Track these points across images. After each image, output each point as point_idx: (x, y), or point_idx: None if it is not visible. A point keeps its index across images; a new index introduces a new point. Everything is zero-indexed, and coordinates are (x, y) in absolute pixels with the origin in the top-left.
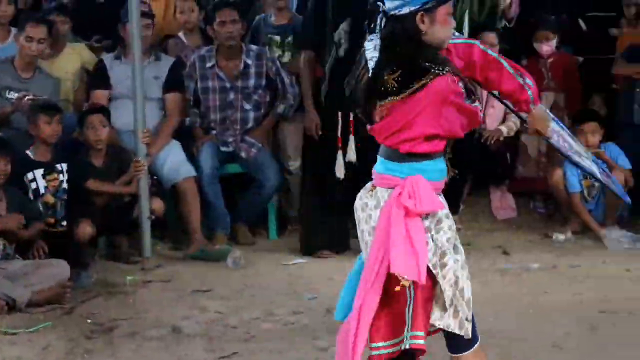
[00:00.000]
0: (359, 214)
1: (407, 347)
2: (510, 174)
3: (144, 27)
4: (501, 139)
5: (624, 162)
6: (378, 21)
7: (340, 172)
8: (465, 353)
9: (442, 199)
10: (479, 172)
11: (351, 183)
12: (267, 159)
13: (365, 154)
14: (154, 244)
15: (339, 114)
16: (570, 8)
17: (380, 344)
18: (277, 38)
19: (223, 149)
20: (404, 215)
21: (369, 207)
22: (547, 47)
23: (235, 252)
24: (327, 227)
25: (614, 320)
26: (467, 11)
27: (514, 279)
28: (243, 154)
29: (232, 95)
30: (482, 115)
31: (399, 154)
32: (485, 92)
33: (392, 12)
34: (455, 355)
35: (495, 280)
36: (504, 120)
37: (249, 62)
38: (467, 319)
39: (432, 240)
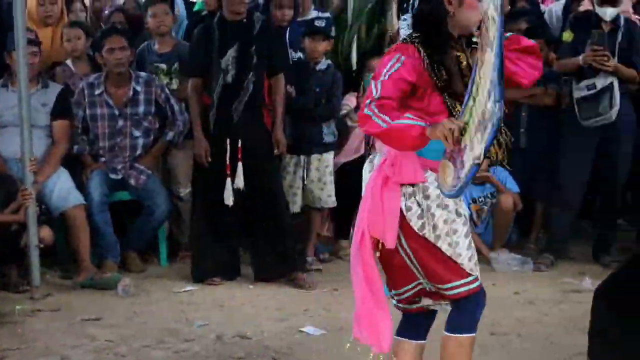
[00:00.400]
0: (365, 175)
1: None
2: None
3: (31, 55)
4: None
5: (512, 185)
6: (412, 1)
7: (229, 199)
8: (461, 335)
9: (433, 177)
10: None
11: (240, 210)
12: (157, 185)
13: (253, 180)
14: (43, 273)
15: (227, 140)
16: None
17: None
18: (163, 66)
19: (112, 176)
20: (382, 182)
21: (366, 171)
22: None
23: (124, 279)
24: (217, 253)
25: (504, 342)
26: (355, 37)
27: None
28: (132, 181)
29: (121, 122)
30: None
31: None
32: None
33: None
34: (449, 334)
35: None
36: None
37: (138, 88)
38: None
39: (418, 205)
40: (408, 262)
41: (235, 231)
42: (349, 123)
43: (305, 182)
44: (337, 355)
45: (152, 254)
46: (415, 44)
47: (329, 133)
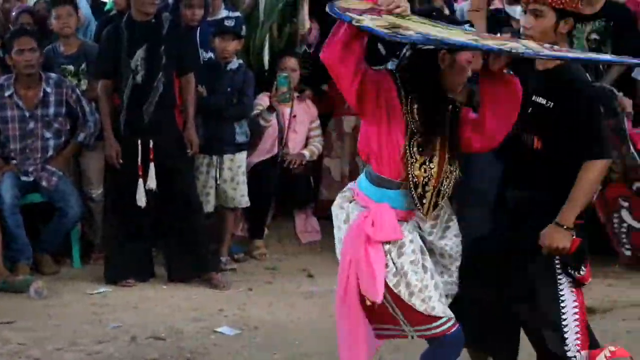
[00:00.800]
0: (336, 210)
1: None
2: (314, 197)
3: None
4: (304, 162)
5: None
6: (404, 50)
7: (141, 200)
8: None
9: (406, 226)
10: (282, 196)
11: (153, 210)
12: (69, 187)
13: (165, 181)
14: None
15: (139, 141)
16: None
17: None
18: (71, 67)
19: (24, 178)
20: (364, 240)
21: (339, 218)
22: None
23: (37, 282)
24: (130, 255)
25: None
26: (267, 36)
27: (319, 301)
28: (44, 183)
29: (31, 124)
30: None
31: (374, 176)
32: (286, 120)
33: (420, 45)
34: None
35: (301, 304)
36: (306, 145)
37: (49, 90)
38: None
39: (393, 263)
40: (390, 309)
41: (148, 232)
42: (262, 123)
43: (218, 182)
44: (251, 355)
45: (65, 255)
46: (396, 80)
47: (241, 133)
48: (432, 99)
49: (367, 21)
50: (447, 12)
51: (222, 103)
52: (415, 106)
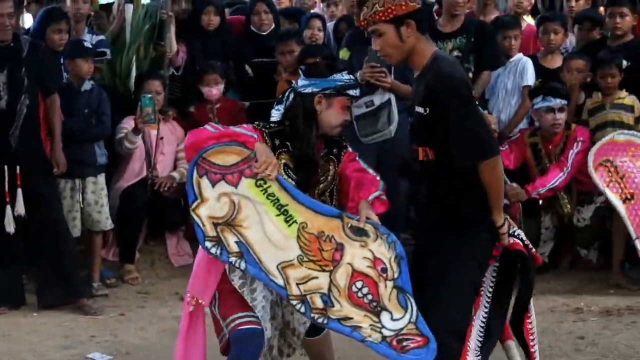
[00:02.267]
0: None
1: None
2: (185, 220)
3: None
4: (174, 185)
5: None
6: (287, 94)
7: (9, 226)
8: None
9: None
10: (153, 219)
11: (22, 236)
12: None
13: (33, 206)
14: None
15: (5, 167)
16: (235, 55)
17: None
18: None
19: None
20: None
21: None
22: (217, 90)
23: None
24: (0, 282)
25: None
26: (134, 59)
27: None
28: None
29: None
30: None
31: None
32: (154, 142)
33: (299, 90)
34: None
35: (173, 328)
36: (175, 166)
37: None
38: None
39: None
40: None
41: (17, 259)
42: (128, 145)
43: (82, 206)
44: None
45: None
46: (265, 133)
47: (101, 154)
48: (305, 147)
49: (204, 209)
50: None
51: (82, 125)
52: (283, 161)
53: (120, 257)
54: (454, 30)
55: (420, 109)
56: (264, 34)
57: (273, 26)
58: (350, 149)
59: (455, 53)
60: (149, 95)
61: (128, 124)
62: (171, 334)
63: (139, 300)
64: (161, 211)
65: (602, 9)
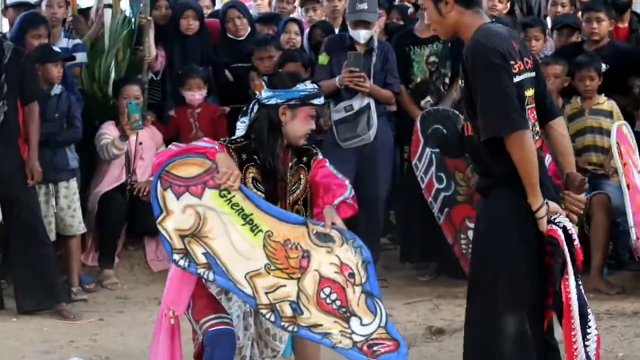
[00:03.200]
0: None
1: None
2: None
3: None
4: None
5: None
6: (251, 106)
7: None
8: None
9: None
10: (132, 224)
11: (1, 242)
12: None
13: (11, 211)
14: None
15: None
16: (215, 60)
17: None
18: None
19: None
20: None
21: None
22: (199, 95)
23: None
24: None
25: None
26: (112, 63)
27: None
28: None
29: None
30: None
31: None
32: (133, 147)
33: (263, 101)
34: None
35: (153, 333)
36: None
37: None
38: None
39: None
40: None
41: None
42: (115, 152)
43: (56, 211)
44: None
45: None
46: (230, 149)
47: (72, 158)
48: (270, 158)
49: (170, 222)
50: None
51: (54, 129)
52: (252, 175)
53: (100, 262)
54: (431, 35)
55: (461, 83)
56: (241, 39)
57: (249, 30)
58: (320, 156)
59: (432, 58)
60: (136, 101)
61: (108, 129)
62: (150, 339)
63: (118, 305)
64: (140, 216)
65: (580, 13)
